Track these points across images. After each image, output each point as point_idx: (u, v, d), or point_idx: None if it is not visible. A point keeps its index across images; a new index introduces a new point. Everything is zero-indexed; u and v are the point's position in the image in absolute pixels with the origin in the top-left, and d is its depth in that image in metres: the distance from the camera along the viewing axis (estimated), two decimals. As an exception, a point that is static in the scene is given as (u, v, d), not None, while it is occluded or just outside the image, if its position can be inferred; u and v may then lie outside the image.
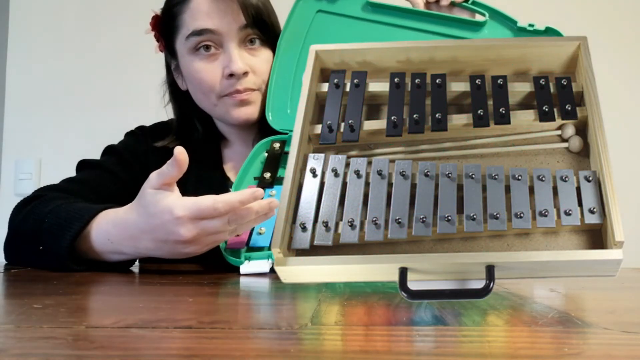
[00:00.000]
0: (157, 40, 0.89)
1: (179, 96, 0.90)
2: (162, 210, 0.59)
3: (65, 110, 1.70)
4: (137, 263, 0.89)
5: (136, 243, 0.63)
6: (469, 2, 0.81)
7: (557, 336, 0.31)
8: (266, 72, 0.83)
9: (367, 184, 0.51)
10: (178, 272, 0.63)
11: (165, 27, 0.86)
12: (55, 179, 0.83)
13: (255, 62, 0.82)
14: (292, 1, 0.84)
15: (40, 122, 1.70)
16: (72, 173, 0.86)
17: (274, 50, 0.84)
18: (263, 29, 0.82)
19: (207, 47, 0.81)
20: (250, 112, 0.83)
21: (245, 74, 0.81)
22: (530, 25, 0.77)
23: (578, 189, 0.48)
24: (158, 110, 0.95)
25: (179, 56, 0.85)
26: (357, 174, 0.51)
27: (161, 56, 0.93)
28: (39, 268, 0.67)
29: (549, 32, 0.77)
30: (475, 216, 0.47)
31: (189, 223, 0.58)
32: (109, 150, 0.90)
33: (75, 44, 1.71)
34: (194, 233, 0.59)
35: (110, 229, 0.65)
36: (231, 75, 0.80)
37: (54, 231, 0.65)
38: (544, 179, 0.49)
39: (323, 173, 0.52)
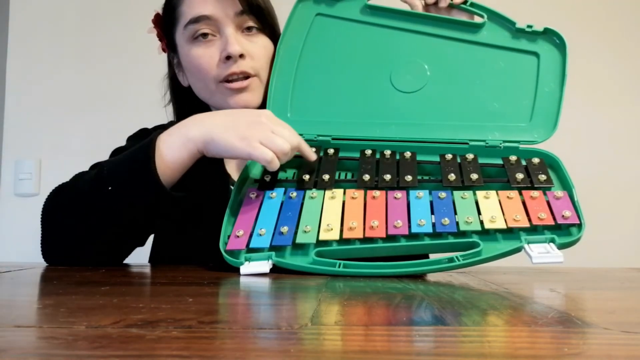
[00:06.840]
0: (160, 40, 0.89)
1: (180, 94, 0.91)
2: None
3: (65, 110, 1.70)
4: (136, 263, 0.89)
5: (207, 119, 0.69)
6: (467, 3, 0.81)
7: (557, 336, 0.31)
8: (263, 57, 0.84)
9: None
10: (178, 272, 0.63)
11: (166, 21, 0.87)
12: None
13: (252, 47, 0.83)
14: (292, 3, 0.84)
15: (40, 122, 1.70)
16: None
17: (271, 38, 0.85)
18: (259, 16, 0.83)
19: (205, 35, 0.82)
20: (249, 98, 0.83)
21: (242, 56, 0.81)
22: (528, 26, 0.77)
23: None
24: (158, 110, 0.95)
25: (178, 48, 0.86)
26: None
27: (161, 57, 0.93)
28: (102, 227, 0.67)
29: (548, 33, 0.77)
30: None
31: (271, 122, 0.68)
32: (118, 153, 0.89)
33: (75, 44, 1.72)
34: (269, 122, 0.67)
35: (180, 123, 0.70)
36: (228, 58, 0.80)
37: (124, 166, 0.67)
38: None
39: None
